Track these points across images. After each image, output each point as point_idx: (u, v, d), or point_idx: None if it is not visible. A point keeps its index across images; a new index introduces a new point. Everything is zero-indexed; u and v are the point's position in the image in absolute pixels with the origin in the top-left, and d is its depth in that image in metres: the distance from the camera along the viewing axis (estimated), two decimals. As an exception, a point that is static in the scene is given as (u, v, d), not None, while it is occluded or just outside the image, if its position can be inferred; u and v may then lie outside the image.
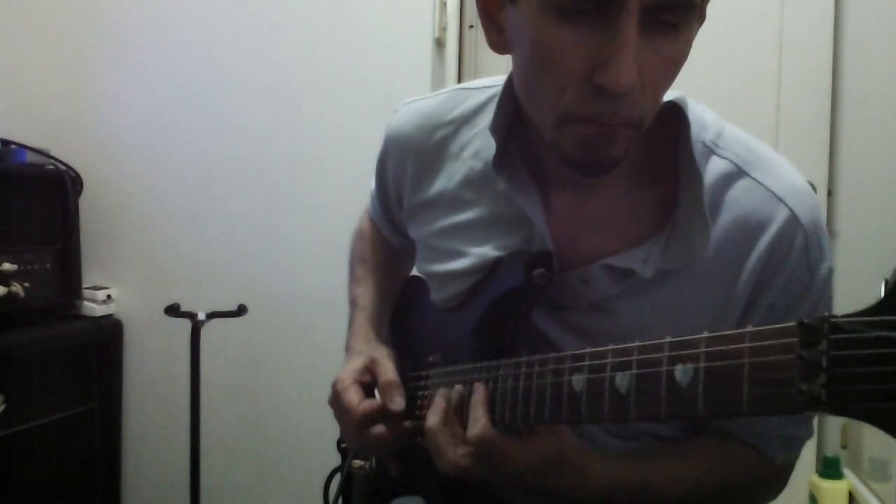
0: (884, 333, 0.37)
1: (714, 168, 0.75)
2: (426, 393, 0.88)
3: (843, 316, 0.39)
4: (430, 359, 0.90)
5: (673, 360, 0.52)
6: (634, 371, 0.56)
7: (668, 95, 0.73)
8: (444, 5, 1.94)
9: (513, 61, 0.74)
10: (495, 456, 0.70)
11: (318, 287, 1.95)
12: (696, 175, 0.73)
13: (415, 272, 1.04)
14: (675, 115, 0.75)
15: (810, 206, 0.76)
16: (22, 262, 1.84)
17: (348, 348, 0.99)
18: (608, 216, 0.79)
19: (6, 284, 1.79)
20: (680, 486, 0.78)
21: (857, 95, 1.76)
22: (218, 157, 2.07)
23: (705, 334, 0.51)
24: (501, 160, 0.79)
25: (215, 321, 1.81)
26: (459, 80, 2.02)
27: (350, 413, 0.86)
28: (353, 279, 1.08)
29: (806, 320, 0.42)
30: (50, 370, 1.89)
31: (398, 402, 0.85)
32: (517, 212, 0.80)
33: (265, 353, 2.04)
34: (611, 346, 0.58)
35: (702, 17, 0.70)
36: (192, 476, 1.82)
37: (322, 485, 1.09)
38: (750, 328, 0.47)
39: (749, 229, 0.74)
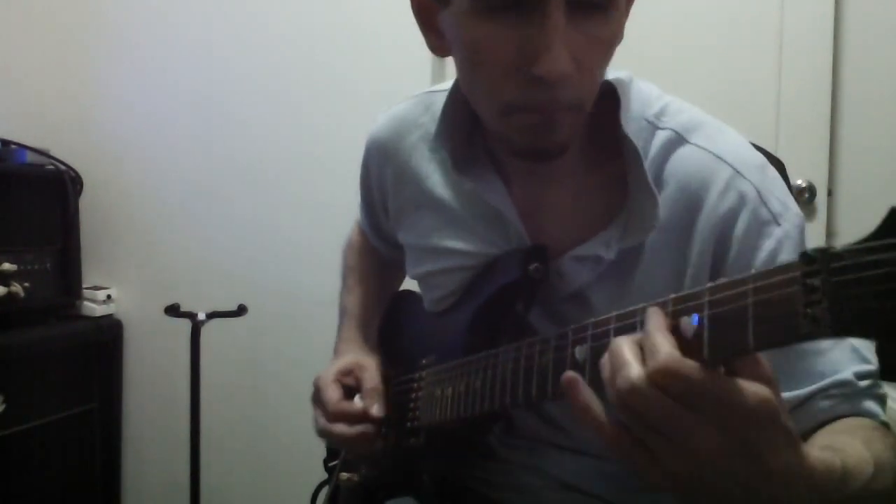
0: (881, 256, 0.38)
1: (657, 140, 0.76)
2: (420, 394, 0.88)
3: (840, 246, 0.41)
4: (424, 361, 0.90)
5: (677, 314, 0.52)
6: (638, 332, 0.54)
7: (609, 76, 0.75)
8: (444, 5, 1.94)
9: (454, 62, 0.75)
10: (694, 392, 0.48)
11: (318, 287, 1.94)
12: (633, 151, 0.73)
13: (408, 280, 1.04)
14: (611, 92, 0.76)
15: (755, 163, 0.76)
16: (22, 262, 1.84)
17: (336, 352, 1.01)
18: (572, 202, 0.80)
19: (6, 284, 1.79)
20: (871, 466, 0.61)
21: (857, 95, 1.76)
22: (218, 157, 2.07)
23: (709, 285, 0.50)
24: (460, 164, 0.81)
25: (215, 321, 1.81)
26: (459, 80, 2.02)
27: (326, 409, 0.88)
28: (344, 288, 1.10)
29: (806, 251, 0.43)
30: (50, 370, 1.89)
31: (377, 409, 0.87)
32: (488, 206, 0.82)
33: (265, 353, 2.04)
34: (614, 313, 0.58)
35: None
36: (192, 476, 1.82)
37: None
38: (752, 272, 0.47)
39: (693, 191, 0.74)
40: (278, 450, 2.03)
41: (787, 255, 0.72)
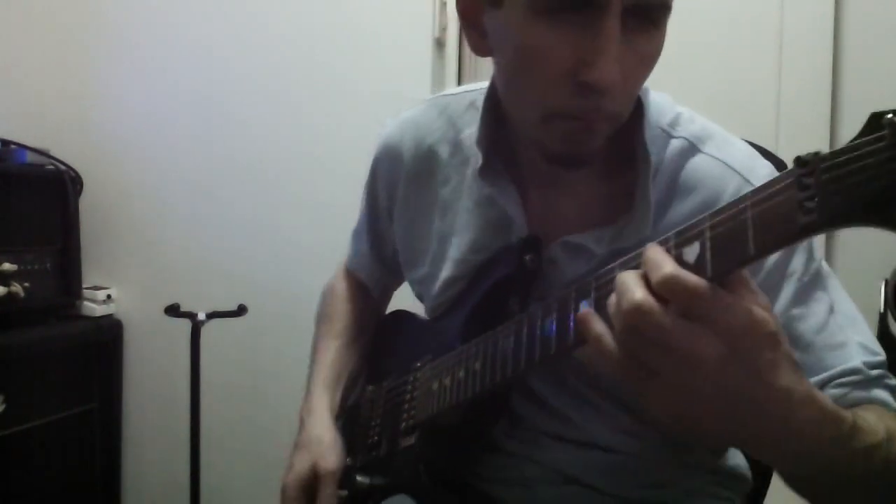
0: (861, 152, 0.45)
1: (672, 149, 0.78)
2: (416, 394, 0.88)
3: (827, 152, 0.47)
4: (418, 364, 0.90)
5: (679, 246, 0.54)
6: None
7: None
8: (444, 5, 1.94)
9: (494, 63, 0.76)
10: (695, 305, 0.50)
11: (318, 287, 1.93)
12: (645, 160, 0.76)
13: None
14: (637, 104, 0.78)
15: (763, 174, 0.78)
16: (22, 262, 1.84)
17: (301, 423, 1.04)
18: (579, 206, 0.82)
19: (6, 284, 1.79)
20: (882, 432, 0.61)
21: (857, 95, 1.76)
22: (218, 157, 2.07)
23: (708, 213, 0.53)
24: (483, 169, 0.82)
25: (215, 321, 1.81)
26: (459, 80, 2.02)
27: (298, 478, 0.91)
28: (318, 334, 1.09)
29: (800, 156, 0.47)
30: (50, 370, 1.89)
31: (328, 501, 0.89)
32: (500, 213, 0.83)
33: (265, 353, 2.04)
34: (617, 262, 0.59)
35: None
36: (192, 476, 1.82)
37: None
38: (749, 191, 0.51)
39: (704, 198, 0.77)
40: (278, 450, 2.02)
41: (784, 258, 0.75)
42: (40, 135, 2.02)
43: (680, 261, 0.53)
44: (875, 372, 0.73)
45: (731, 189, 0.76)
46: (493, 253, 0.84)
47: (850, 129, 1.94)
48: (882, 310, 1.49)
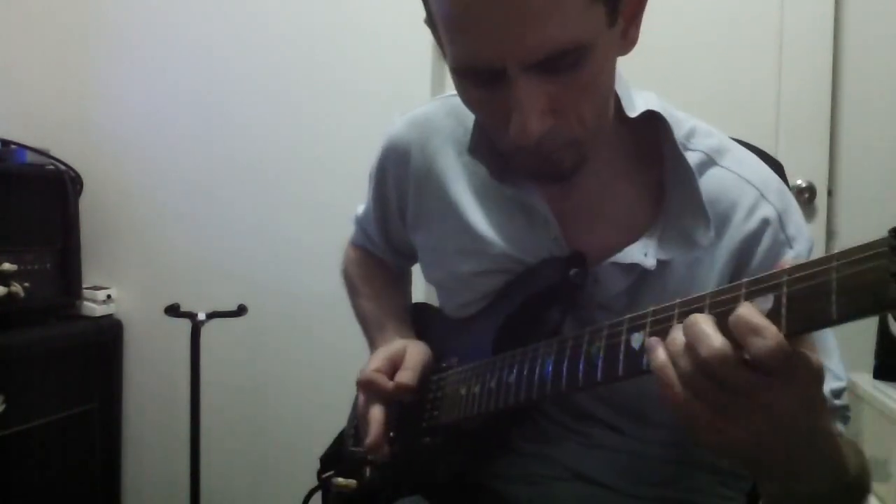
0: None
1: (689, 161, 0.79)
2: (439, 395, 0.87)
3: None
4: (444, 364, 0.89)
5: (751, 295, 0.54)
6: (707, 313, 0.56)
7: (649, 103, 0.78)
8: (444, 5, 1.94)
9: None
10: (794, 372, 0.53)
11: (318, 287, 1.95)
12: (687, 171, 0.77)
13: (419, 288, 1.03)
14: (653, 114, 0.79)
15: (777, 188, 0.82)
16: (22, 262, 1.84)
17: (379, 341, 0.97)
18: (605, 209, 0.82)
19: (6, 284, 1.79)
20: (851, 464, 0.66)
21: (857, 95, 1.76)
22: (218, 157, 2.07)
23: (787, 267, 0.53)
24: (497, 173, 0.82)
25: (215, 321, 1.81)
26: (459, 80, 2.02)
27: (361, 373, 0.86)
28: (363, 296, 1.06)
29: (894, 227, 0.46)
30: (50, 370, 1.89)
31: (408, 377, 0.85)
32: (524, 209, 0.83)
33: (265, 353, 2.04)
34: (677, 300, 0.60)
35: (613, 14, 0.70)
36: (192, 476, 1.82)
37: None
38: (836, 252, 0.50)
39: (722, 210, 0.78)
40: (278, 450, 2.03)
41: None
42: (40, 135, 2.02)
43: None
44: (838, 402, 0.78)
45: (746, 202, 0.79)
46: (532, 265, 0.83)
47: (851, 129, 1.96)
48: (882, 310, 1.49)
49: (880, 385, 1.47)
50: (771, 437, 0.55)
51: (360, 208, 1.08)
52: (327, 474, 0.98)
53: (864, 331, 1.57)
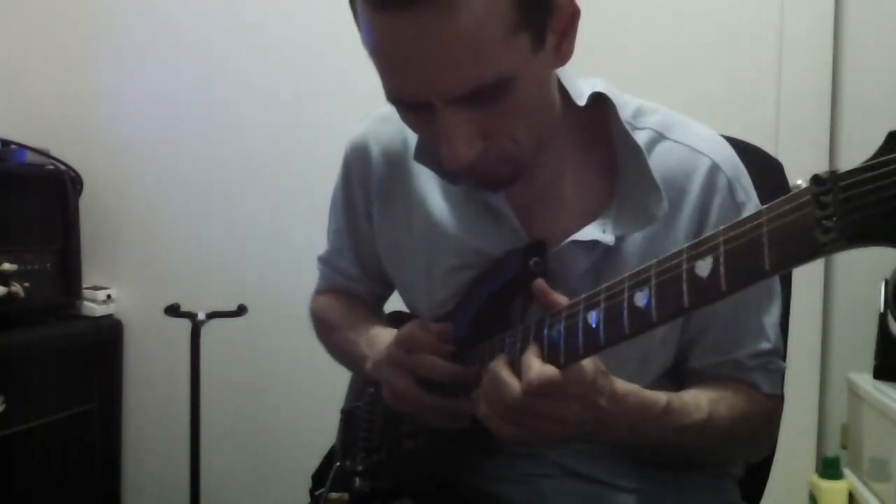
0: (879, 171, 0.45)
1: (639, 140, 0.81)
2: None
3: (846, 169, 0.48)
4: None
5: (691, 259, 0.56)
6: (653, 283, 0.59)
7: (595, 87, 0.80)
8: (444, 5, 1.93)
9: None
10: (565, 391, 0.67)
11: (318, 287, 1.95)
12: (634, 148, 0.79)
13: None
14: (599, 99, 0.81)
15: (727, 154, 0.84)
16: (22, 262, 1.84)
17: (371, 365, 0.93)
18: (562, 195, 0.84)
19: (6, 284, 1.79)
20: (702, 414, 0.78)
21: (857, 95, 1.76)
22: (218, 157, 2.07)
23: (721, 228, 0.55)
24: (449, 176, 0.82)
25: (215, 321, 1.81)
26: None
27: (387, 348, 0.86)
28: (342, 328, 1.01)
29: (818, 174, 0.48)
30: (50, 370, 1.89)
31: (440, 326, 0.83)
32: (484, 206, 0.84)
33: (265, 352, 2.04)
34: (626, 275, 0.63)
35: (541, 32, 0.70)
36: (192, 476, 1.82)
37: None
38: (765, 207, 0.52)
39: (677, 181, 0.81)
40: (278, 450, 2.03)
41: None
42: (40, 135, 2.02)
43: (692, 274, 0.55)
44: (754, 361, 0.84)
45: (700, 172, 0.81)
46: (496, 258, 0.84)
47: (850, 129, 1.95)
48: (882, 310, 1.49)
49: (880, 385, 1.47)
50: (594, 428, 0.72)
51: (323, 250, 1.07)
52: (319, 491, 0.97)
53: (864, 331, 1.57)
